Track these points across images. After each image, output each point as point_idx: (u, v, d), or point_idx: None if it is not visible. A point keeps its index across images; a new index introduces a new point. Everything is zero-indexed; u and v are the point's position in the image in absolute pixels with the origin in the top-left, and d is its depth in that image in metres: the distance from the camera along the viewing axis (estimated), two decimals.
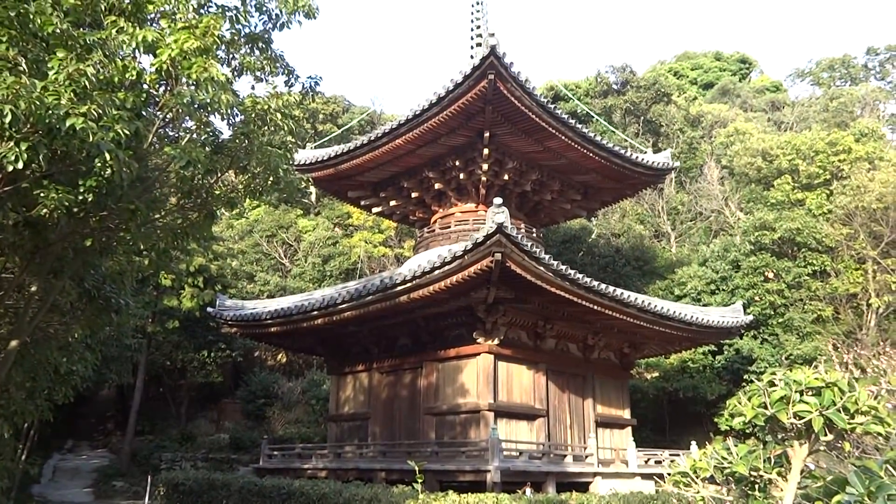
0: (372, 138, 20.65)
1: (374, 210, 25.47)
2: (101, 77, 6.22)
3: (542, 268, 15.86)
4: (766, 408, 3.90)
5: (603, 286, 17.43)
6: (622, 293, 18.18)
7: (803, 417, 3.84)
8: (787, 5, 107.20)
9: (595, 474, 17.66)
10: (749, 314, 22.47)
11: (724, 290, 26.45)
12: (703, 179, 37.94)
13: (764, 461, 3.99)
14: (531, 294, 17.00)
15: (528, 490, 14.36)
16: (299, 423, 30.16)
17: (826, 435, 3.89)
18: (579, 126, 20.52)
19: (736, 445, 4.02)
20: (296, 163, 23.04)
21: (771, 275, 25.61)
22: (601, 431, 20.19)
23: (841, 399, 3.87)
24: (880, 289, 23.93)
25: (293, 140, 8.86)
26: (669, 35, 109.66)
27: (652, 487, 17.23)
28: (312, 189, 40.59)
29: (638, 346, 22.36)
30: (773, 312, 25.07)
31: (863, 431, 3.91)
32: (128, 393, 30.72)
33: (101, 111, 5.81)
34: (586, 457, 18.41)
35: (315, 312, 18.94)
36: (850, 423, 3.82)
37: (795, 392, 3.92)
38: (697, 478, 4.13)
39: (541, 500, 10.65)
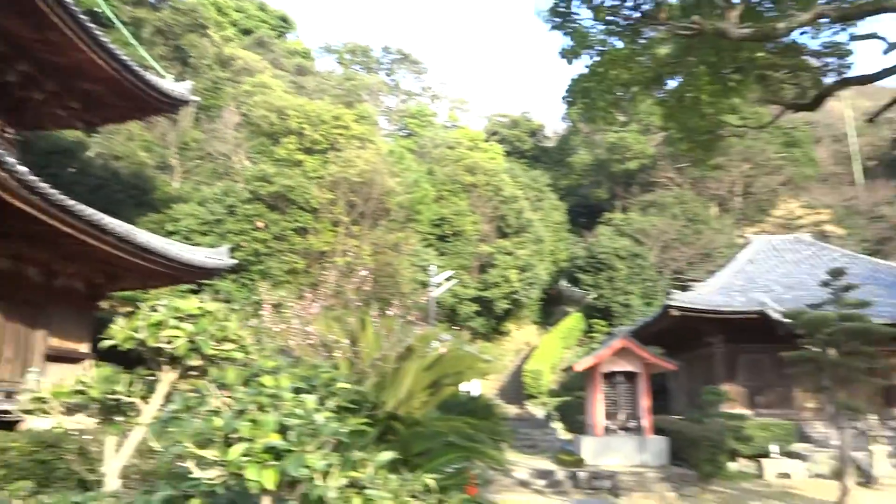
0: None
1: None
2: None
3: (4, 174, 13.48)
4: (137, 332, 3.97)
5: (81, 207, 15.81)
6: (102, 218, 16.79)
7: (173, 343, 4.03)
8: None
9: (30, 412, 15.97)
10: (234, 259, 23.50)
11: (216, 232, 27.01)
12: (220, 121, 37.95)
13: (130, 386, 4.06)
14: None
15: None
16: None
17: (194, 360, 4.17)
18: (94, 27, 18.13)
19: (99, 369, 3.99)
20: None
21: (261, 224, 27.31)
22: (53, 366, 18.36)
23: (213, 327, 4.20)
24: (345, 250, 27.93)
25: None
26: None
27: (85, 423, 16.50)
28: None
29: (114, 278, 21.07)
30: (255, 259, 26.78)
31: (227, 357, 4.32)
32: None
33: None
34: (21, 393, 16.49)
35: None
36: (215, 349, 4.17)
37: (173, 318, 4.08)
38: (59, 403, 3.97)
39: None
